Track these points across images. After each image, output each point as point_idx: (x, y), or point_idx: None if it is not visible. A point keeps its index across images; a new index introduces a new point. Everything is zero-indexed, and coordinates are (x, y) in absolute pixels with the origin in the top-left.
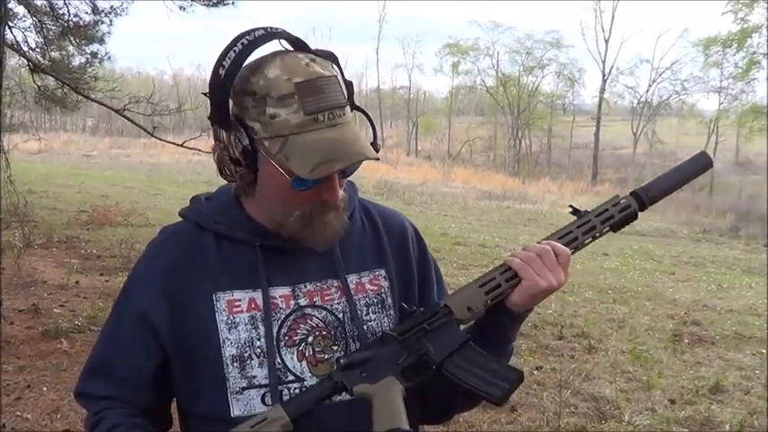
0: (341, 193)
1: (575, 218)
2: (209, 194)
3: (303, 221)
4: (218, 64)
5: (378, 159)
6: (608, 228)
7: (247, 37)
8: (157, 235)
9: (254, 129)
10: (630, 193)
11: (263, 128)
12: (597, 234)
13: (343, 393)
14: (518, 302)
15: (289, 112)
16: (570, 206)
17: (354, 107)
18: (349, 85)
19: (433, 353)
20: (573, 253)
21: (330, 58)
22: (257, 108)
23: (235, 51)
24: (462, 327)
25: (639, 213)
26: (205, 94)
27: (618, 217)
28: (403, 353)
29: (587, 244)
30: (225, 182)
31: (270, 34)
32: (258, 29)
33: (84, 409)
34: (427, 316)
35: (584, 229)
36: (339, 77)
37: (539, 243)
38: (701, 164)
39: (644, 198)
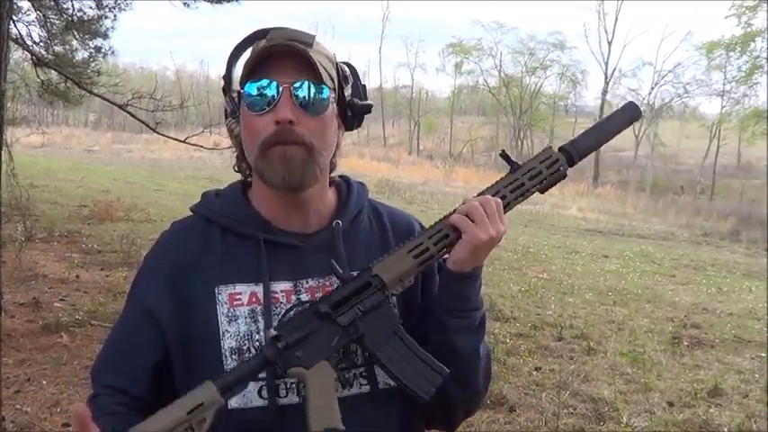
0: (305, 132)
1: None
2: (220, 191)
3: (263, 153)
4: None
5: (337, 95)
6: (536, 188)
7: (264, 27)
8: (167, 229)
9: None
10: (558, 149)
11: (242, 69)
12: (527, 194)
13: (342, 391)
14: (461, 258)
15: (255, 47)
16: (502, 152)
17: (366, 109)
18: (360, 85)
19: (368, 339)
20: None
21: (344, 63)
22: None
23: (247, 37)
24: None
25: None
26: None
27: (546, 174)
28: (336, 334)
29: (515, 204)
30: (225, 179)
31: (283, 28)
32: (282, 26)
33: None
34: (360, 285)
35: (512, 187)
36: (318, 40)
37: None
38: (630, 115)
39: (573, 154)
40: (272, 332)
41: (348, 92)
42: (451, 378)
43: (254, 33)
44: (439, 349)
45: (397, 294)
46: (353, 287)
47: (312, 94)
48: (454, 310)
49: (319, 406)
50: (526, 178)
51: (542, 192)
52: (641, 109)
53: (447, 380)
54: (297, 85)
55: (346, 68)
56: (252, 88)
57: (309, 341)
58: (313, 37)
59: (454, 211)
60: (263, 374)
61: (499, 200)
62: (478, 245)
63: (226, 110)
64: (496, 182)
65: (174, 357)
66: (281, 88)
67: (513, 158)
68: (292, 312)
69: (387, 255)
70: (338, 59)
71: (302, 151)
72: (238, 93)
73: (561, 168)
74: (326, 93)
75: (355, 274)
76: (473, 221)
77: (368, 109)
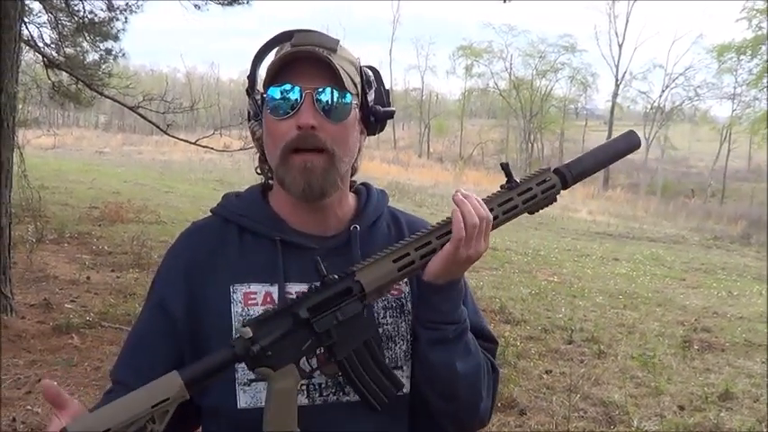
0: (327, 138)
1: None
2: (240, 192)
3: (284, 159)
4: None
5: (360, 101)
6: (526, 209)
7: (288, 29)
8: (186, 228)
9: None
10: (554, 170)
11: (266, 73)
12: (516, 215)
13: (344, 397)
14: (434, 270)
15: (279, 51)
16: (503, 164)
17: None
18: (383, 89)
19: (338, 347)
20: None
21: (368, 67)
22: (270, 63)
23: (272, 39)
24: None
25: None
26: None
27: (539, 198)
28: (309, 338)
29: (502, 224)
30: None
31: (307, 29)
32: (306, 28)
33: None
34: (339, 291)
35: (505, 207)
36: (342, 44)
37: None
38: (629, 143)
39: (568, 177)
40: (247, 330)
41: (371, 97)
42: (434, 390)
43: (279, 36)
44: (416, 359)
45: (370, 304)
46: (333, 291)
47: (335, 100)
48: (426, 320)
49: (277, 409)
50: (520, 200)
51: (531, 213)
52: (640, 138)
53: (432, 392)
54: (320, 90)
55: (370, 73)
56: (275, 92)
57: (281, 342)
58: (337, 42)
59: (448, 220)
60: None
61: (491, 219)
62: (457, 260)
63: (249, 112)
64: (491, 197)
65: (188, 351)
66: (303, 93)
67: (512, 173)
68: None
69: (371, 260)
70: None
71: (323, 160)
72: (262, 96)
73: (553, 192)
74: (349, 98)
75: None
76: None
77: (390, 115)
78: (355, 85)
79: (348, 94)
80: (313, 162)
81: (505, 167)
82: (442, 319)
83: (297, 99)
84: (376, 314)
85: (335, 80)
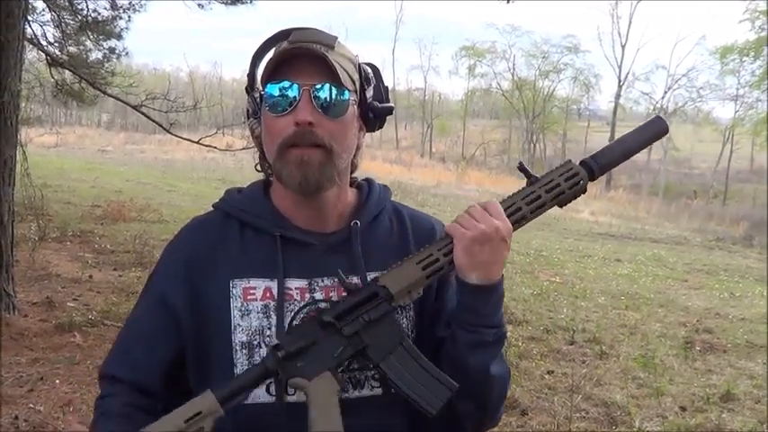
0: (324, 134)
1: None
2: (242, 188)
3: (281, 154)
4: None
5: (358, 97)
6: (554, 201)
7: (287, 28)
8: (187, 223)
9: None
10: (580, 163)
11: (263, 70)
12: (544, 207)
13: (353, 392)
14: (459, 262)
15: (277, 48)
16: (520, 164)
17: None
18: (382, 86)
19: (372, 350)
20: (517, 226)
21: (367, 64)
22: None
23: (272, 37)
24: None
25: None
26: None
27: (564, 186)
28: (340, 344)
29: (533, 217)
30: (237, 180)
31: (305, 29)
32: (310, 28)
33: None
34: (366, 296)
35: (528, 200)
36: (341, 41)
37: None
38: (656, 129)
39: (594, 168)
40: (274, 342)
41: (370, 93)
42: (460, 392)
43: (277, 34)
44: (449, 360)
45: (404, 306)
46: (360, 297)
47: (333, 97)
48: (464, 323)
49: (320, 418)
50: (543, 191)
51: (561, 206)
52: (667, 124)
53: (461, 394)
54: (317, 87)
55: (369, 70)
56: (273, 89)
57: (312, 351)
58: (335, 39)
59: None
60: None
61: (495, 202)
62: (467, 244)
63: (248, 110)
64: (513, 194)
65: (188, 345)
66: (301, 90)
67: (530, 171)
68: (300, 316)
69: (395, 265)
70: (360, 61)
71: (320, 154)
72: (260, 93)
73: (581, 182)
74: (347, 95)
75: (357, 280)
76: (460, 224)
77: (389, 111)
78: (353, 81)
79: (346, 91)
80: (310, 156)
81: (522, 167)
82: (482, 323)
83: (294, 96)
84: None
85: (333, 77)
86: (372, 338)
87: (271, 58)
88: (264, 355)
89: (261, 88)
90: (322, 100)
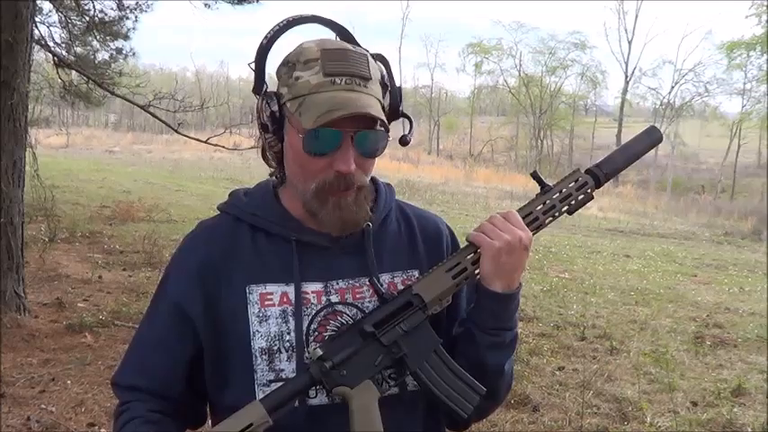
0: (361, 175)
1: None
2: (248, 189)
3: (319, 197)
4: (263, 38)
5: (386, 130)
6: (566, 209)
7: (293, 16)
8: (194, 228)
9: (282, 93)
10: (586, 171)
11: (288, 90)
12: (557, 215)
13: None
14: (486, 271)
15: (311, 74)
16: (533, 172)
17: (400, 114)
18: (395, 88)
19: (410, 358)
20: (534, 233)
21: (378, 57)
22: (288, 73)
23: (279, 26)
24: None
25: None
26: (250, 65)
27: (575, 195)
28: (380, 353)
29: (547, 224)
30: (245, 179)
31: (315, 18)
32: (308, 14)
33: (116, 398)
34: (401, 305)
35: (544, 208)
36: (370, 58)
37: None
38: (652, 139)
39: (600, 176)
40: (318, 351)
41: (386, 101)
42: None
43: (283, 26)
44: (466, 359)
45: (434, 312)
46: (395, 306)
47: (372, 141)
48: (486, 327)
49: (362, 426)
50: (557, 200)
51: (570, 213)
52: (661, 133)
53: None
54: (360, 134)
55: (384, 72)
56: (314, 133)
57: (353, 360)
58: (367, 60)
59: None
60: (293, 375)
61: (514, 212)
62: (494, 254)
63: (260, 120)
64: (529, 202)
65: (206, 350)
66: (343, 136)
67: (543, 179)
68: (318, 319)
69: (426, 274)
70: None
71: (361, 201)
72: (279, 107)
73: (589, 191)
74: (383, 134)
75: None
76: (485, 234)
77: (407, 116)
78: (384, 109)
79: (383, 130)
80: (347, 200)
81: (536, 176)
82: (501, 326)
83: (336, 141)
84: None
85: (374, 122)
86: (409, 346)
87: (312, 102)
88: (285, 359)
89: (297, 122)
90: (364, 147)
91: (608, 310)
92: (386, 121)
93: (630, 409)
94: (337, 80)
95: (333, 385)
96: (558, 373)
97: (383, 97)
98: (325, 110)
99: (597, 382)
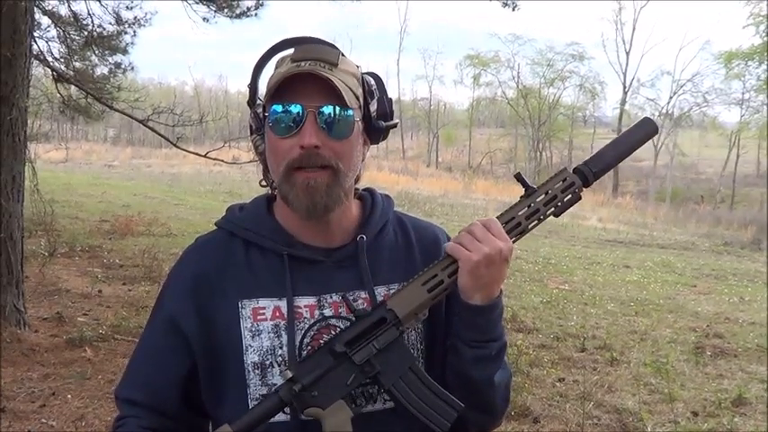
0: (331, 156)
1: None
2: (244, 204)
3: (287, 178)
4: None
5: (361, 119)
6: (551, 212)
7: (291, 37)
8: (192, 243)
9: (263, 93)
10: (573, 170)
11: (267, 89)
12: (542, 218)
13: (367, 406)
14: (464, 285)
15: (282, 67)
16: (517, 174)
17: (389, 117)
18: (385, 97)
19: (383, 376)
20: (516, 240)
21: (369, 73)
22: (270, 77)
23: (275, 45)
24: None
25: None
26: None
27: (560, 197)
28: (352, 372)
29: (531, 229)
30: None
31: (312, 39)
32: (306, 36)
33: (118, 410)
34: (374, 321)
35: (527, 213)
36: (345, 56)
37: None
38: (645, 131)
39: (588, 174)
40: (288, 373)
41: (374, 107)
42: (471, 403)
43: (278, 45)
44: (454, 373)
45: (410, 328)
46: (368, 323)
47: (337, 117)
48: (469, 340)
49: None
50: (541, 203)
51: (557, 215)
52: (657, 124)
53: (468, 404)
54: (322, 108)
55: (372, 82)
56: (277, 110)
57: (325, 380)
58: (338, 54)
59: None
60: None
61: (495, 220)
62: (473, 267)
63: (251, 125)
64: (511, 207)
65: (200, 365)
66: (306, 112)
67: (528, 181)
68: (311, 333)
69: (401, 287)
70: (363, 71)
71: (327, 176)
72: (263, 108)
73: (576, 191)
74: (351, 114)
75: (365, 294)
76: (463, 246)
77: (393, 126)
78: (357, 98)
79: (350, 110)
80: (316, 180)
81: (519, 177)
82: (485, 338)
83: (299, 117)
84: None
85: (338, 97)
86: (383, 364)
87: (273, 77)
88: (278, 374)
89: (263, 105)
90: (326, 121)
91: (608, 320)
92: (351, 104)
93: (631, 419)
94: (302, 64)
95: (304, 407)
96: (558, 384)
97: (367, 101)
98: (282, 77)
99: (598, 393)
